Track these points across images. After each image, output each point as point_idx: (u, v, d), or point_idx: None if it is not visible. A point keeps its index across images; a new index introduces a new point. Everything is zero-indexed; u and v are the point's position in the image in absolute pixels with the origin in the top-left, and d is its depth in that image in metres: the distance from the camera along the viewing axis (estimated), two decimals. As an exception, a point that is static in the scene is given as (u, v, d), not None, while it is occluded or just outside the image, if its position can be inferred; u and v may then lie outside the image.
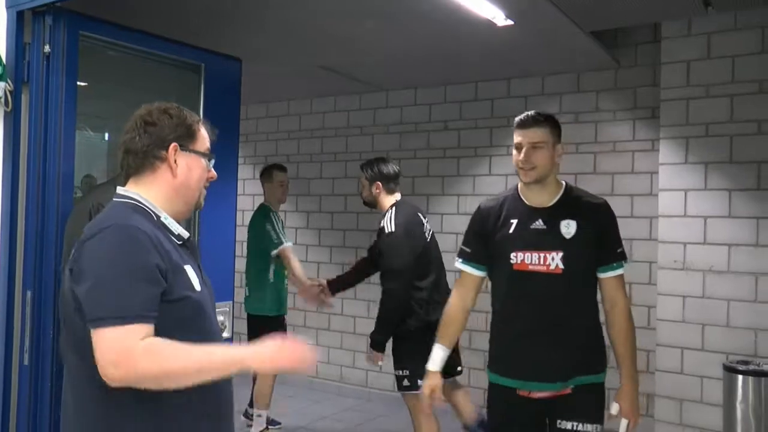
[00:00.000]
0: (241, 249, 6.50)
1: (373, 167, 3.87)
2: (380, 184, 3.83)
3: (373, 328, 3.74)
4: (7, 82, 2.59)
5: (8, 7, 2.68)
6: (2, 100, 2.59)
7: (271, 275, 4.61)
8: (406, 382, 3.67)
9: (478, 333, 5.11)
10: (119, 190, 1.73)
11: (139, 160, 1.69)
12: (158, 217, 1.68)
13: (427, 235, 3.84)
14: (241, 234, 6.41)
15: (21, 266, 2.63)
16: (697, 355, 4.05)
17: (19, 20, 2.66)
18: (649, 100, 4.61)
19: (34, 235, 2.61)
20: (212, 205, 3.26)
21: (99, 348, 1.48)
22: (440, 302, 3.65)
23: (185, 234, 1.73)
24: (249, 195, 6.59)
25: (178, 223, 1.74)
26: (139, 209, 1.66)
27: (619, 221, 4.57)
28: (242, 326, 6.50)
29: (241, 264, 6.43)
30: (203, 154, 1.77)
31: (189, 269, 1.66)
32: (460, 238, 5.21)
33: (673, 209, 4.14)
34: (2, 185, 2.63)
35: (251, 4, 3.63)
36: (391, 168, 3.89)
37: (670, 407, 4.11)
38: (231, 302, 3.34)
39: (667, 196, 4.17)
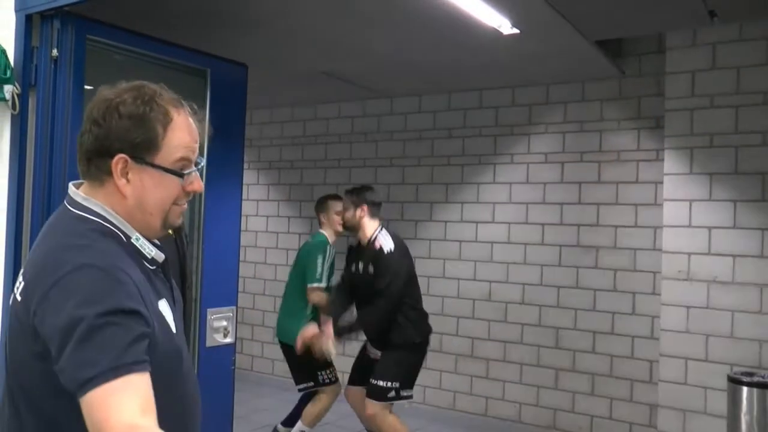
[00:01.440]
0: (245, 254, 6.52)
1: (360, 192, 4.07)
2: (366, 207, 4.00)
3: (349, 324, 3.96)
4: (14, 85, 2.60)
5: (17, 10, 2.70)
6: (9, 103, 2.60)
7: (308, 308, 4.39)
8: (392, 394, 3.86)
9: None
10: (77, 195, 1.36)
11: (83, 166, 1.34)
12: (129, 238, 1.34)
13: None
14: (245, 239, 6.45)
15: (26, 269, 2.64)
16: (701, 365, 4.03)
17: (27, 24, 2.68)
18: (653, 110, 4.61)
19: (39, 238, 2.62)
20: (217, 210, 3.28)
21: (99, 412, 1.12)
22: (425, 319, 4.06)
23: (160, 257, 1.40)
24: (253, 200, 6.61)
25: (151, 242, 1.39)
26: (105, 231, 1.31)
27: (623, 231, 4.67)
28: (244, 331, 6.51)
29: (247, 269, 6.47)
30: (171, 171, 1.34)
31: (164, 306, 1.35)
32: (464, 245, 5.35)
33: (677, 219, 4.13)
34: (8, 188, 2.64)
35: (257, 10, 3.65)
36: (375, 195, 4.12)
37: (673, 418, 4.09)
38: (234, 307, 3.34)
39: (672, 206, 4.16)
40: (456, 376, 5.40)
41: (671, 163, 4.19)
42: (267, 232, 6.56)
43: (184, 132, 1.35)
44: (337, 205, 4.41)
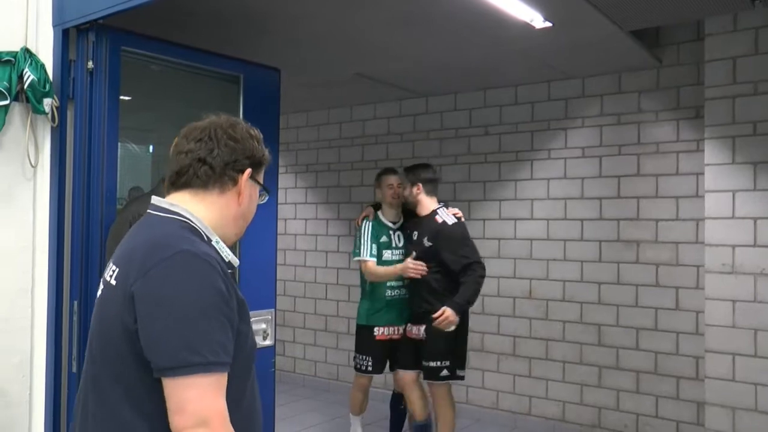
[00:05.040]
0: (284, 257, 6.60)
1: (415, 170, 4.23)
2: (421, 185, 4.16)
3: (462, 298, 3.96)
4: (53, 98, 2.67)
5: (54, 25, 2.77)
6: (49, 116, 2.67)
7: (366, 285, 4.39)
8: (445, 373, 4.00)
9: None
10: (161, 202, 1.51)
11: (215, 175, 1.50)
12: (210, 240, 1.48)
13: None
14: (285, 243, 6.52)
15: (68, 277, 2.71)
16: (750, 361, 3.91)
17: (64, 38, 2.75)
18: (692, 100, 4.50)
19: (80, 246, 2.69)
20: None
21: (186, 398, 1.27)
22: None
23: (236, 262, 1.53)
24: (291, 204, 6.68)
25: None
26: (192, 230, 1.46)
27: (665, 224, 4.57)
28: (286, 333, 6.58)
29: (287, 272, 6.53)
30: (264, 189, 1.62)
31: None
32: (503, 243, 5.31)
33: (720, 211, 4.02)
34: (50, 198, 2.72)
35: (290, 15, 3.68)
36: (431, 172, 4.26)
37: (721, 416, 3.98)
38: (273, 310, 3.38)
39: (714, 197, 4.05)
40: (499, 375, 5.35)
41: (712, 153, 4.08)
42: (306, 234, 6.61)
43: (266, 150, 1.60)
44: (390, 179, 4.42)
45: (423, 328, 4.09)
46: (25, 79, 2.60)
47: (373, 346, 4.29)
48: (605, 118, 4.90)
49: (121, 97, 2.82)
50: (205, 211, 1.50)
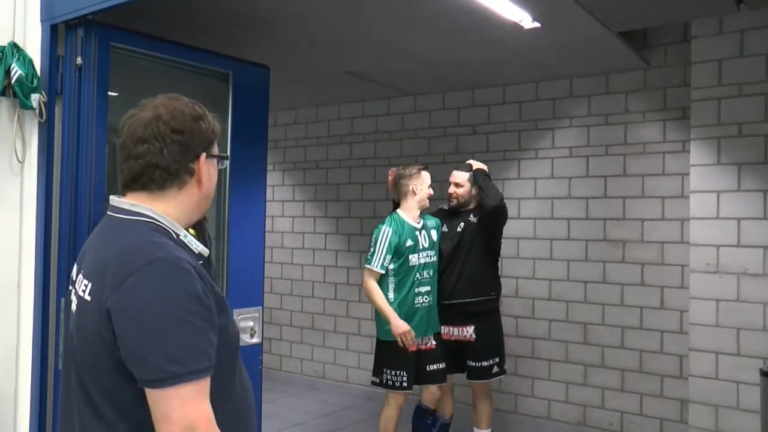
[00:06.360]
0: (271, 255, 6.58)
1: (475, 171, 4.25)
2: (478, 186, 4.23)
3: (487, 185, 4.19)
4: (41, 93, 2.66)
5: (43, 20, 2.76)
6: (37, 111, 2.66)
7: (390, 294, 3.94)
8: (496, 369, 4.16)
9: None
10: (122, 203, 1.47)
11: (171, 176, 1.45)
12: (177, 235, 1.46)
13: None
14: (272, 240, 6.51)
15: (55, 273, 2.70)
16: (733, 360, 3.96)
17: (53, 34, 2.74)
18: (679, 101, 4.54)
19: (67, 243, 2.68)
20: (242, 211, 3.32)
21: (171, 407, 1.27)
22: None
23: (206, 252, 1.52)
24: (278, 201, 6.67)
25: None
26: (159, 229, 1.43)
27: (650, 224, 4.62)
28: (273, 331, 6.57)
29: (274, 270, 6.52)
30: (223, 157, 1.58)
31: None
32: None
33: (705, 211, 4.07)
34: (37, 194, 2.71)
35: (280, 12, 3.67)
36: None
37: (704, 414, 4.03)
38: (260, 308, 3.38)
39: (699, 197, 4.10)
40: (484, 373, 5.37)
41: (698, 153, 4.13)
42: (293, 232, 6.61)
43: (214, 121, 1.54)
44: (428, 178, 4.14)
45: (472, 328, 4.08)
46: (12, 74, 2.59)
47: (407, 359, 3.91)
48: (593, 118, 4.94)
49: (110, 93, 2.81)
50: (167, 208, 1.46)
